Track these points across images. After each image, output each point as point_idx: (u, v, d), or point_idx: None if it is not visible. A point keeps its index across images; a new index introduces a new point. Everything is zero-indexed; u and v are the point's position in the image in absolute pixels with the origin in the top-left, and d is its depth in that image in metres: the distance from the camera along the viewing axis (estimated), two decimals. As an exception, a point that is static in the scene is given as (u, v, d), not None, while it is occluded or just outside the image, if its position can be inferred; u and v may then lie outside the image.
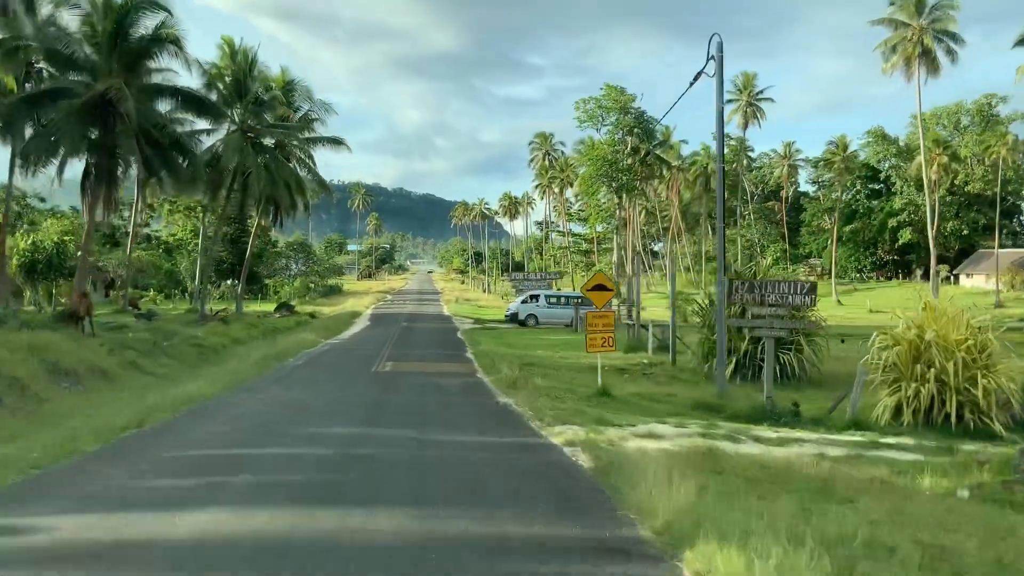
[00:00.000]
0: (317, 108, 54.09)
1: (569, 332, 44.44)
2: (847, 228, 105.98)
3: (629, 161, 77.40)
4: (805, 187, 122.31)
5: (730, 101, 78.15)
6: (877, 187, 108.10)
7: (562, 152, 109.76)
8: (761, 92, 76.49)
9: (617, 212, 76.45)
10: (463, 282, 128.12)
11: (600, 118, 77.00)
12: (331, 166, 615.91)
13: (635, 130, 77.51)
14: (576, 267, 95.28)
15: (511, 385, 19.81)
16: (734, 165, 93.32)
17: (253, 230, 57.50)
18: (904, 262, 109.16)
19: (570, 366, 26.97)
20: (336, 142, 55.15)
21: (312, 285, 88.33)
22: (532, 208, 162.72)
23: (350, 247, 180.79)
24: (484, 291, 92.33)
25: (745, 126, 76.76)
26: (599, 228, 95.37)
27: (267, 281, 77.86)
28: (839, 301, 77.12)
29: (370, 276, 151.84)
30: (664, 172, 79.77)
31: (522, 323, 47.39)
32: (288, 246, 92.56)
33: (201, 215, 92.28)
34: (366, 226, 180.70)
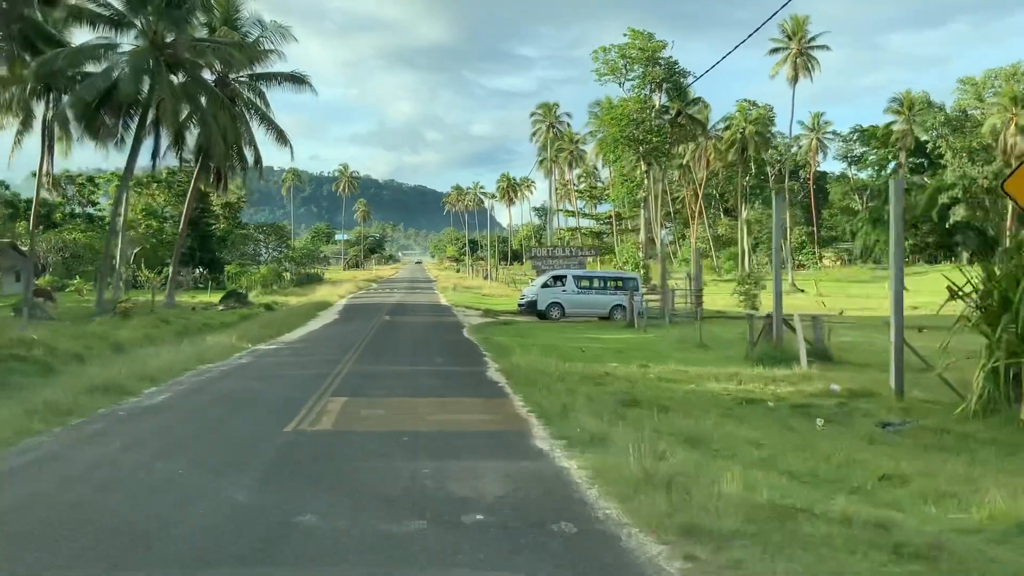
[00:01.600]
0: (271, 34, 40.07)
1: (613, 327, 30.90)
2: (888, 206, 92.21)
3: (658, 122, 63.65)
4: (830, 165, 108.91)
5: (776, 50, 64.45)
6: (918, 160, 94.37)
7: (568, 124, 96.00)
8: (814, 39, 62.95)
9: (644, 181, 62.63)
10: (458, 270, 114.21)
11: (623, 70, 63.20)
12: (319, 159, 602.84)
13: (664, 85, 63.74)
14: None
15: (647, 485, 6.22)
16: (766, 134, 79.59)
17: (189, 194, 43.34)
18: (948, 244, 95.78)
19: (699, 399, 13.36)
20: (296, 80, 41.18)
21: (286, 273, 74.22)
22: (532, 192, 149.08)
23: (338, 237, 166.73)
24: (486, 278, 78.37)
25: (795, 79, 63.12)
26: (613, 204, 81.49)
27: (230, 268, 63.86)
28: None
29: (357, 266, 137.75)
30: (699, 136, 65.91)
31: (542, 315, 34.06)
32: (257, 228, 78.42)
33: (155, 191, 78.38)
34: (354, 214, 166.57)
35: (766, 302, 43.56)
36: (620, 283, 35.31)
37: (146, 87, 32.78)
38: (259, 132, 41.61)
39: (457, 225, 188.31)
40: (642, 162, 62.32)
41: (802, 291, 62.29)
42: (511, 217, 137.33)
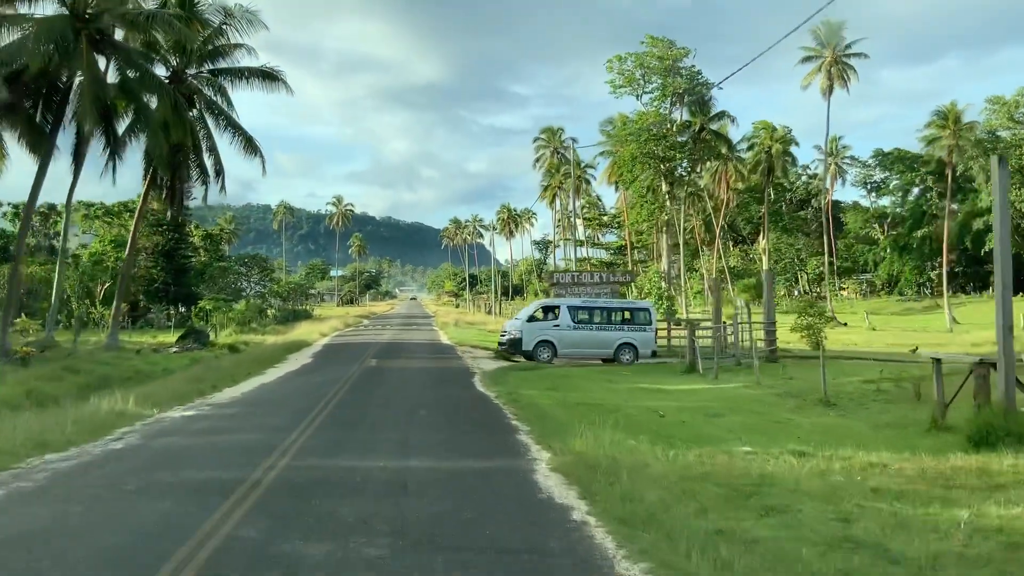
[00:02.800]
0: (237, 22, 32.89)
1: (666, 373, 23.40)
2: (917, 233, 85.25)
3: (681, 138, 56.54)
4: (844, 194, 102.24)
5: (808, 59, 57.56)
6: (944, 186, 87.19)
7: (573, 148, 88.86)
8: (850, 46, 56.14)
9: (667, 203, 55.34)
10: (457, 305, 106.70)
11: (641, 81, 56.22)
12: (316, 196, 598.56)
13: (686, 98, 56.72)
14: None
15: None
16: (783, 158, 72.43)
17: (137, 212, 35.95)
18: (981, 273, 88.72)
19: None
20: (267, 76, 34.00)
21: (269, 309, 66.60)
22: (532, 224, 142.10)
23: (333, 273, 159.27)
24: (489, 313, 70.76)
25: (830, 90, 56.23)
26: (628, 229, 74.06)
27: (204, 304, 56.19)
28: (955, 319, 56.17)
29: (352, 302, 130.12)
30: (724, 152, 58.77)
31: (528, 355, 26.77)
32: (238, 260, 70.92)
33: (127, 221, 70.95)
34: (348, 249, 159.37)
35: (832, 337, 36.18)
36: (629, 315, 27.99)
37: (66, 73, 25.47)
38: (223, 139, 34.41)
39: (455, 261, 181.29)
40: (663, 182, 55.13)
41: (844, 324, 55.07)
42: (511, 250, 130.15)
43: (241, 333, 46.65)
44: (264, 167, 35.65)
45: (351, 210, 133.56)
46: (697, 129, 56.42)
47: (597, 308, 27.72)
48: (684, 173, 55.48)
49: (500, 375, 21.48)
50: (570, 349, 26.78)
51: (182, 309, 62.02)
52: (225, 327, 49.25)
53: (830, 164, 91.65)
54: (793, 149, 69.58)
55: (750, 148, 66.22)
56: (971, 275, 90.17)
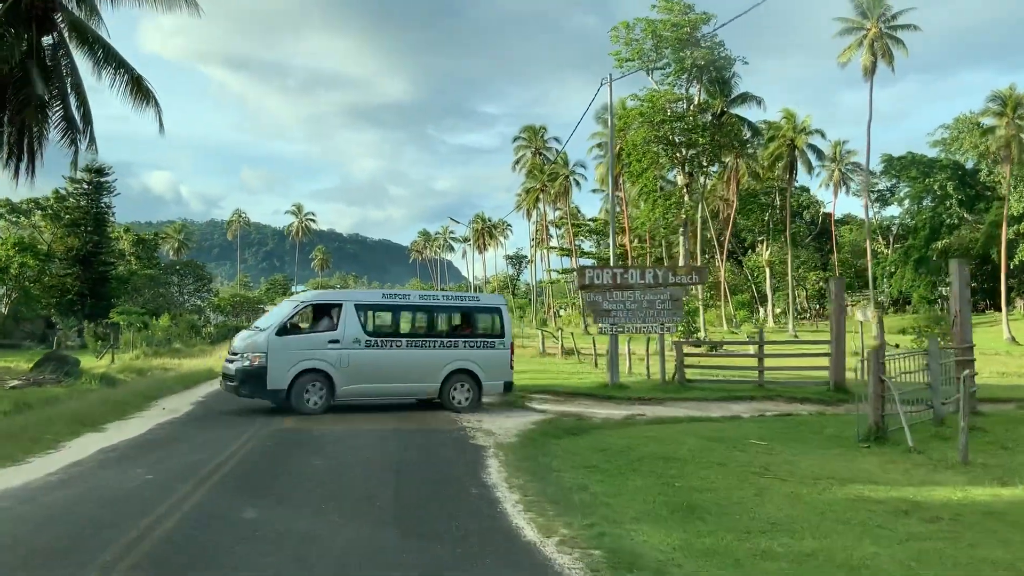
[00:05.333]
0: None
1: (756, 442, 12.63)
2: (937, 245, 76.16)
3: (702, 118, 46.52)
4: (845, 204, 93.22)
5: (849, 30, 47.94)
6: (968, 194, 78.36)
7: (556, 150, 78.82)
8: (896, 16, 46.69)
9: (684, 199, 45.20)
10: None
11: (652, 55, 46.16)
12: (280, 213, 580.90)
13: (704, 75, 46.73)
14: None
15: None
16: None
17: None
18: (995, 290, 79.81)
19: None
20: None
21: (207, 325, 55.22)
22: (506, 236, 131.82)
23: (296, 288, 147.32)
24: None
25: (872, 68, 46.73)
26: (640, 228, 63.60)
27: (119, 318, 44.79)
28: (1013, 337, 46.50)
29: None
30: (748, 139, 48.84)
31: (280, 399, 14.61)
32: (169, 268, 59.48)
33: (39, 220, 59.41)
34: (311, 262, 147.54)
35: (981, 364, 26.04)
36: (464, 321, 16.95)
37: None
38: (103, 81, 23.52)
39: (423, 277, 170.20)
40: (681, 173, 45.02)
41: (895, 347, 45.29)
42: (484, 264, 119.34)
43: (156, 356, 35.55)
44: (161, 122, 24.75)
45: (312, 220, 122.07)
46: (717, 112, 46.48)
47: (410, 309, 16.23)
48: (705, 162, 45.40)
49: (533, 453, 10.74)
50: (360, 385, 15.11)
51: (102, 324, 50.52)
52: (136, 347, 38.06)
53: (833, 170, 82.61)
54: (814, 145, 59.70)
55: (770, 140, 56.30)
56: (989, 291, 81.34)
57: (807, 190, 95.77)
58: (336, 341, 14.95)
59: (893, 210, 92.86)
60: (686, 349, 21.25)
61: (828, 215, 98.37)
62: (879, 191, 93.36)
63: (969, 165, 79.46)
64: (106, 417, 14.00)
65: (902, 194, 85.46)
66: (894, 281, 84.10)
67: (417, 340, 15.77)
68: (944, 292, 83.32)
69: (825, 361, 24.63)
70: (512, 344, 16.84)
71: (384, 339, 15.47)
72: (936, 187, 76.33)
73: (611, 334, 19.98)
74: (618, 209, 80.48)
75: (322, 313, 15.63)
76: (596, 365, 27.50)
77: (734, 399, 18.62)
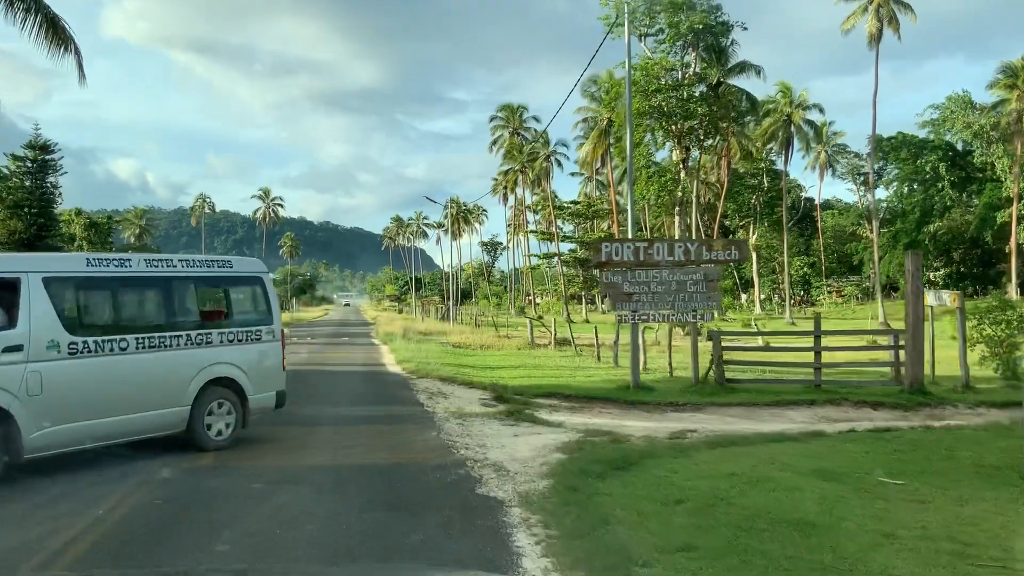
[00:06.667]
0: None
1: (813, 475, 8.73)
2: (929, 228, 73.24)
3: (700, 88, 42.68)
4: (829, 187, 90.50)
5: (853, -4, 44.25)
6: (960, 175, 75.33)
7: (535, 131, 74.66)
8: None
9: (682, 175, 41.40)
10: (400, 311, 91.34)
11: (644, 19, 42.15)
12: (249, 202, 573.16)
13: (700, 42, 42.84)
14: (573, 285, 60.01)
15: None
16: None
17: None
18: (991, 275, 77.27)
19: None
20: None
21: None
22: (481, 223, 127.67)
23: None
24: (443, 319, 55.74)
25: (878, 35, 43.01)
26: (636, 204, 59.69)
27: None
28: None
29: (281, 307, 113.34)
30: (747, 115, 45.07)
31: None
32: (120, 252, 54.70)
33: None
34: (279, 250, 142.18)
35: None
36: (219, 298, 11.03)
37: None
38: (10, 22, 19.19)
39: (396, 264, 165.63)
40: (677, 147, 41.17)
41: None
42: (460, 251, 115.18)
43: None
44: (82, 69, 20.50)
45: (280, 205, 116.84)
46: (714, 83, 42.61)
47: (134, 284, 9.81)
48: (702, 135, 41.55)
49: (581, 516, 6.69)
50: (67, 427, 8.35)
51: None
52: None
53: (819, 152, 79.40)
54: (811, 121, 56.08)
55: (764, 116, 52.57)
56: (979, 276, 78.65)
57: (786, 174, 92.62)
58: (16, 348, 8.14)
59: (881, 193, 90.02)
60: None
61: (810, 199, 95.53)
62: (866, 174, 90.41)
63: (959, 146, 76.71)
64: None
65: (891, 176, 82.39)
66: (882, 266, 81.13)
67: (150, 337, 9.27)
68: (934, 277, 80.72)
69: (868, 354, 20.95)
70: (282, 333, 11.25)
71: (99, 338, 8.85)
72: (928, 168, 73.35)
73: (632, 323, 16.01)
74: (601, 193, 76.70)
75: None
76: (599, 359, 23.59)
77: (788, 404, 14.78)
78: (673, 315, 15.91)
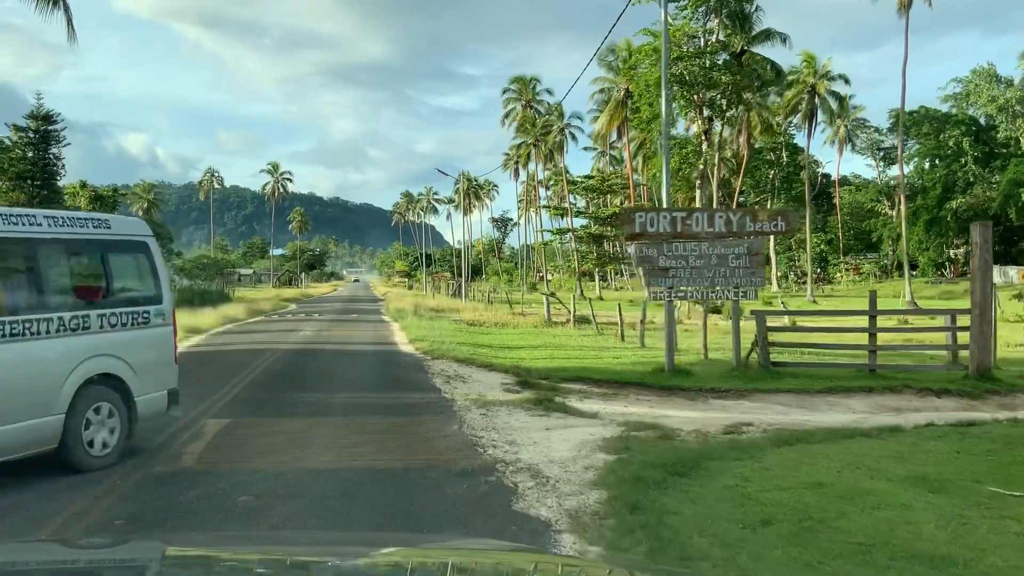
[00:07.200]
0: None
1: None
2: (951, 204, 71.24)
3: (724, 56, 40.85)
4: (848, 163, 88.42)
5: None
6: (984, 151, 73.10)
7: (548, 103, 72.77)
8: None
9: (704, 147, 39.74)
10: (410, 287, 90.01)
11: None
12: (259, 177, 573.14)
13: (725, 5, 40.97)
14: (586, 261, 58.35)
15: None
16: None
17: None
18: (1013, 253, 75.29)
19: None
20: None
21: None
22: (491, 198, 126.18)
23: (275, 252, 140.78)
24: (455, 295, 54.30)
25: (908, 2, 41.05)
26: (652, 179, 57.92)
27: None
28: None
29: (290, 283, 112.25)
30: (773, 78, 43.16)
31: None
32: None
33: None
34: (288, 225, 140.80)
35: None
36: (94, 268, 8.17)
37: None
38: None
39: (406, 240, 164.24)
40: (699, 118, 39.47)
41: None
42: (470, 227, 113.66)
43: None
44: (71, 25, 19.04)
45: (289, 179, 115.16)
46: (737, 51, 40.77)
47: None
48: (725, 105, 39.80)
49: (651, 543, 5.28)
50: None
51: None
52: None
53: (839, 126, 77.32)
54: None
55: (788, 87, 50.61)
56: (1000, 254, 76.71)
57: (801, 150, 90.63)
58: None
59: (897, 170, 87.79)
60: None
61: (827, 175, 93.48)
62: (885, 149, 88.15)
63: (983, 121, 74.58)
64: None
65: (912, 151, 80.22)
66: (900, 243, 79.18)
67: (6, 322, 6.74)
68: (954, 255, 78.88)
69: (901, 336, 19.48)
70: (173, 312, 8.78)
71: None
72: (951, 143, 71.23)
73: (668, 301, 14.54)
74: (615, 167, 74.87)
75: None
76: (622, 338, 22.14)
77: (844, 391, 13.32)
78: (713, 292, 14.40)
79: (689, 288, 14.37)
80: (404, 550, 2.46)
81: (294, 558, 2.20)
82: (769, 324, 15.45)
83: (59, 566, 2.14)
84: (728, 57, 39.71)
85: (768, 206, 75.94)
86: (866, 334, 15.68)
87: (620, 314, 22.30)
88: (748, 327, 15.64)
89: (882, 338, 18.46)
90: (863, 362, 16.15)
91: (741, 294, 14.45)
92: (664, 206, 16.56)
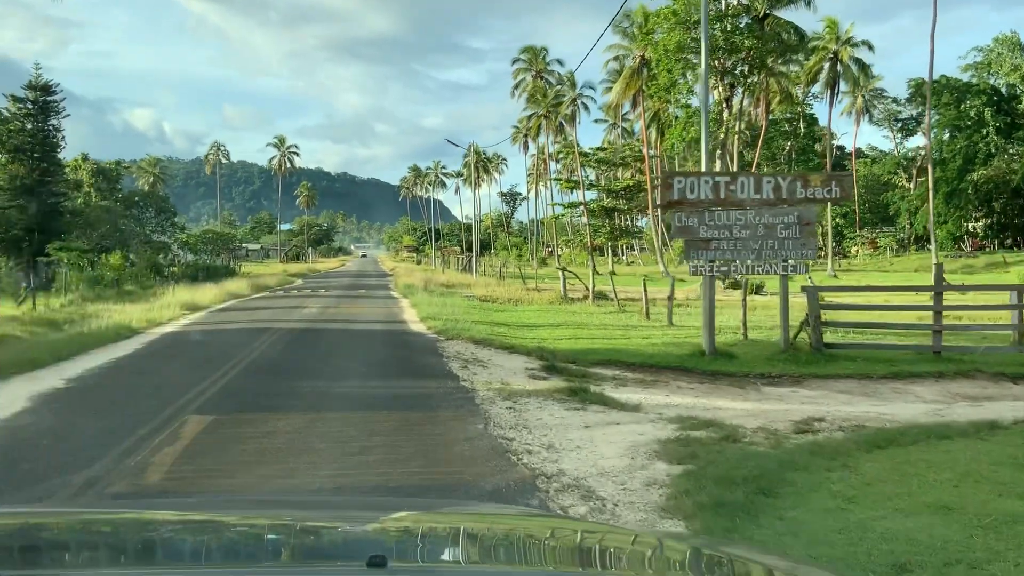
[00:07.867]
0: None
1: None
2: (972, 176, 69.19)
3: (743, 23, 38.99)
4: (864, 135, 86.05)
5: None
6: (1006, 121, 70.87)
7: (558, 74, 70.80)
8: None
9: (724, 115, 38.02)
10: (419, 261, 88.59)
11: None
12: (266, 152, 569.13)
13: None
14: (598, 235, 56.76)
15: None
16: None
17: None
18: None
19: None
20: None
21: (171, 265, 48.21)
22: (500, 172, 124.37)
23: (283, 227, 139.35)
24: (465, 270, 52.76)
25: (941, -36, 39.12)
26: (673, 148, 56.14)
27: (60, 254, 37.50)
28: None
29: (298, 258, 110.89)
30: (796, 43, 41.24)
31: None
32: (126, 200, 51.78)
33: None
34: (295, 198, 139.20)
35: None
36: None
37: None
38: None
39: (414, 215, 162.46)
40: (720, 85, 37.70)
41: None
42: (479, 201, 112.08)
43: (97, 300, 28.64)
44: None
45: (296, 153, 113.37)
46: (760, 15, 38.90)
47: None
48: (747, 71, 38.03)
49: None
50: None
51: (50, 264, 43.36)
52: (71, 289, 31.13)
53: (857, 97, 75.31)
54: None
55: (811, 53, 48.58)
56: (1020, 227, 74.80)
57: (817, 121, 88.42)
58: None
59: (919, 140, 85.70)
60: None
61: (841, 147, 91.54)
62: (903, 120, 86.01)
63: (1004, 91, 72.31)
64: None
65: (932, 122, 78.02)
66: (919, 217, 77.30)
67: None
68: (972, 228, 77.00)
69: (972, 315, 17.88)
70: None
71: None
72: (972, 114, 69.01)
73: (708, 276, 13.04)
74: (626, 140, 72.99)
75: None
76: (647, 316, 20.64)
77: (909, 376, 11.85)
78: (759, 265, 12.89)
79: (734, 261, 12.86)
80: (416, 514, 2.45)
81: (304, 523, 2.17)
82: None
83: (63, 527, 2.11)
84: (750, 21, 37.86)
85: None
86: (921, 312, 14.20)
87: (645, 290, 20.80)
88: (768, 303, 14.12)
89: (926, 316, 16.99)
90: (916, 342, 14.71)
91: (791, 268, 12.96)
92: (704, 170, 14.96)
